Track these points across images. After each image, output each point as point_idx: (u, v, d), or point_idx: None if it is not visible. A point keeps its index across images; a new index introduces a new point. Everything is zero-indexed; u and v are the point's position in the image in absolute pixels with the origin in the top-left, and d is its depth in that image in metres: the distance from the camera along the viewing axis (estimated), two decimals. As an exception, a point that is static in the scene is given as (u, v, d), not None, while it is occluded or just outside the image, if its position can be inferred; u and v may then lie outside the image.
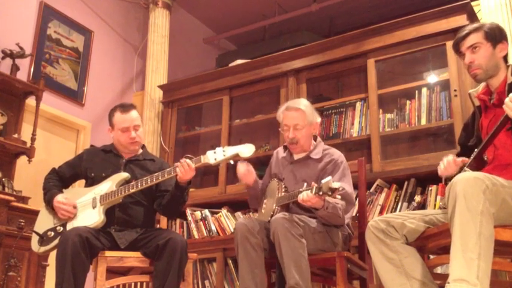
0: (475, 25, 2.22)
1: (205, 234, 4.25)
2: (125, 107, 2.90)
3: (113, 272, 2.73)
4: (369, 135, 3.86)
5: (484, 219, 1.78)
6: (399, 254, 2.09)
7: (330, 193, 2.34)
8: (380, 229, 2.13)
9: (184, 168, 2.62)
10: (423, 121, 3.72)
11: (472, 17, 3.69)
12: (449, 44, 3.61)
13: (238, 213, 4.24)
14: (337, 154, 2.81)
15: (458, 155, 2.36)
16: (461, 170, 2.13)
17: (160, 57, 5.15)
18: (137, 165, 2.92)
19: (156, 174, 2.69)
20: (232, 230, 4.09)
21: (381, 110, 3.88)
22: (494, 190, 1.84)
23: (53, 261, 2.58)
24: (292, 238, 2.41)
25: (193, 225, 4.31)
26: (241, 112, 4.70)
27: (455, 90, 3.55)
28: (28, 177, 4.14)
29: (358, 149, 4.06)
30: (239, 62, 4.83)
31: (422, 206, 3.46)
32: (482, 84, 2.27)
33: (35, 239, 2.78)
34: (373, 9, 5.79)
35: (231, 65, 4.87)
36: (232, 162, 2.67)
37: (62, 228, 2.74)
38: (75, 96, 4.82)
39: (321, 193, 2.37)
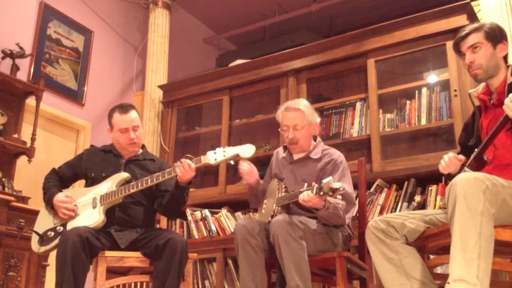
0: (475, 25, 2.22)
1: (205, 234, 4.25)
2: (124, 108, 2.89)
3: (113, 272, 2.73)
4: (369, 135, 3.86)
5: (484, 219, 1.78)
6: (399, 254, 2.09)
7: (330, 193, 2.34)
8: (380, 229, 2.13)
9: (185, 169, 2.62)
10: (423, 121, 3.72)
11: (472, 17, 3.69)
12: (449, 44, 3.61)
13: (238, 213, 4.25)
14: (337, 154, 2.81)
15: (458, 154, 2.37)
16: (461, 170, 2.13)
17: (160, 57, 5.15)
18: (137, 165, 2.92)
19: (156, 174, 2.69)
20: (232, 230, 4.09)
21: (380, 110, 3.88)
22: (494, 190, 1.84)
23: (53, 261, 2.58)
24: (292, 241, 2.42)
25: (193, 225, 4.32)
26: (241, 112, 4.70)
27: (455, 90, 3.55)
28: (28, 177, 4.14)
29: (358, 149, 4.06)
30: (239, 62, 4.83)
31: (422, 206, 3.46)
32: (482, 84, 2.27)
33: (35, 239, 2.78)
34: (373, 9, 5.79)
35: (231, 65, 4.87)
36: (232, 162, 2.67)
37: (62, 228, 2.74)
38: (75, 96, 4.82)
39: (321, 193, 2.37)
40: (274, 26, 6.01)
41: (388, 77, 4.04)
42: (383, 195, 3.64)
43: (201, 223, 4.29)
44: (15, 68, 4.09)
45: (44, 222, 2.82)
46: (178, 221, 4.46)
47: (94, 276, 2.59)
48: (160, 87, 4.99)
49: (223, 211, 4.26)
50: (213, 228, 4.22)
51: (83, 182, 2.99)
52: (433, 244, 2.13)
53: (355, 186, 2.86)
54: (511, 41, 2.67)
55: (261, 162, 4.27)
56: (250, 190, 2.98)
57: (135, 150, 2.94)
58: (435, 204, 3.37)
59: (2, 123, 3.97)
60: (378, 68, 3.95)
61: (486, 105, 2.22)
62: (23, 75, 4.25)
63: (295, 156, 2.87)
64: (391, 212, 3.54)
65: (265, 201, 2.91)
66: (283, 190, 2.73)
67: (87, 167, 2.92)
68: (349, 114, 4.07)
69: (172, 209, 2.86)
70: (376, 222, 2.15)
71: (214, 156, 2.60)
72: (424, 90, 3.78)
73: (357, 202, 2.99)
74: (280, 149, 2.99)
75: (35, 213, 3.11)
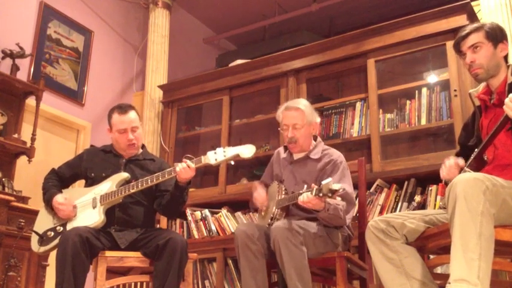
0: (476, 25, 2.22)
1: (205, 234, 4.25)
2: (123, 108, 2.88)
3: (113, 272, 2.73)
4: (369, 135, 3.85)
5: (484, 219, 1.78)
6: (399, 254, 2.09)
7: (330, 194, 2.34)
8: (380, 229, 2.13)
9: (185, 169, 2.62)
10: (423, 121, 3.72)
11: (472, 17, 3.69)
12: (449, 44, 3.61)
13: (238, 213, 4.24)
14: (337, 154, 2.81)
15: (458, 154, 2.37)
16: (461, 170, 2.13)
17: (160, 57, 5.15)
18: (137, 165, 2.91)
19: (156, 174, 2.69)
20: (232, 230, 4.09)
21: (381, 110, 3.88)
22: (495, 191, 1.84)
23: (53, 261, 2.58)
24: (292, 247, 2.42)
25: (193, 225, 4.31)
26: (241, 112, 4.70)
27: (455, 90, 3.55)
28: (28, 177, 4.14)
29: (358, 149, 4.06)
30: (239, 62, 4.83)
31: (422, 206, 3.46)
32: (483, 84, 2.27)
33: (34, 239, 2.78)
34: (373, 9, 5.79)
35: (231, 65, 4.87)
36: (232, 162, 2.67)
37: (61, 228, 2.74)
38: (75, 96, 4.82)
39: (321, 194, 2.36)
40: (274, 26, 6.01)
41: (388, 77, 4.04)
42: (383, 195, 3.64)
43: (201, 223, 4.29)
44: (15, 68, 4.09)
45: (44, 222, 2.82)
46: (178, 221, 4.46)
47: (94, 276, 2.59)
48: (160, 87, 4.99)
49: (223, 211, 4.26)
50: (213, 228, 4.22)
51: (82, 182, 2.99)
52: (433, 244, 2.13)
53: (355, 186, 2.86)
54: (511, 41, 2.67)
55: (261, 162, 4.28)
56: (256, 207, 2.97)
57: (134, 152, 2.93)
58: (435, 204, 3.37)
59: (2, 123, 3.97)
60: (378, 68, 3.95)
61: (486, 105, 2.22)
62: (23, 75, 4.25)
63: (295, 157, 2.86)
64: (391, 212, 3.54)
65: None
66: (283, 192, 2.73)
67: (87, 167, 2.92)
68: (349, 114, 4.06)
69: (172, 209, 2.86)
70: (376, 222, 2.15)
71: (215, 157, 2.60)
72: (424, 90, 3.78)
73: (357, 202, 2.99)
74: (281, 149, 2.99)
75: (35, 213, 3.11)
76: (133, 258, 2.67)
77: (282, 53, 4.43)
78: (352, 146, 4.08)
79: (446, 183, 2.14)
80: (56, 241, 2.65)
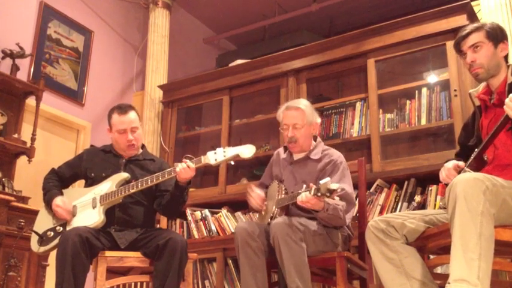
0: (477, 24, 2.22)
1: (205, 234, 4.25)
2: (123, 109, 2.88)
3: (113, 272, 2.73)
4: (369, 135, 3.85)
5: (484, 219, 1.78)
6: (399, 254, 2.09)
7: (328, 194, 2.34)
8: (380, 229, 2.13)
9: (185, 169, 2.62)
10: (423, 121, 3.72)
11: (472, 17, 3.69)
12: (449, 44, 3.61)
13: (238, 213, 4.25)
14: (337, 154, 2.81)
15: (458, 154, 2.37)
16: (461, 170, 2.13)
17: (160, 57, 5.15)
18: (137, 165, 2.91)
19: (156, 174, 2.69)
20: (232, 230, 4.09)
21: (381, 110, 3.88)
22: (495, 191, 1.84)
23: (53, 261, 2.58)
24: (292, 243, 2.42)
25: (193, 225, 4.31)
26: (241, 112, 4.70)
27: (455, 90, 3.55)
28: (28, 177, 4.14)
29: (358, 149, 4.06)
30: (239, 62, 4.83)
31: (422, 206, 3.46)
32: (483, 84, 2.27)
33: (34, 239, 2.78)
34: (373, 9, 5.79)
35: (231, 65, 4.87)
36: (232, 162, 2.67)
37: (61, 228, 2.74)
38: (75, 96, 4.82)
39: (319, 194, 2.36)
40: (274, 26, 6.01)
41: (388, 77, 4.04)
42: (383, 195, 3.64)
43: (201, 223, 4.29)
44: (15, 68, 4.09)
45: (44, 222, 2.82)
46: (178, 221, 4.46)
47: (94, 276, 2.59)
48: (160, 87, 4.99)
49: (223, 211, 4.26)
50: (213, 228, 4.22)
51: (82, 182, 2.99)
52: (433, 244, 2.13)
53: (355, 186, 2.86)
54: (511, 41, 2.67)
55: (261, 162, 4.28)
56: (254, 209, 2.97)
57: (134, 152, 2.93)
58: (435, 204, 3.37)
59: (2, 123, 3.97)
60: (378, 68, 3.95)
61: (486, 105, 2.22)
62: (23, 75, 4.25)
63: (295, 157, 2.86)
64: (391, 212, 3.54)
65: (265, 203, 2.91)
66: (283, 192, 2.73)
67: (87, 167, 2.92)
68: (349, 114, 4.06)
69: (172, 209, 2.86)
70: (376, 222, 2.15)
71: (215, 157, 2.60)
72: (424, 90, 3.77)
73: (357, 202, 2.99)
74: (281, 150, 2.99)
75: (35, 213, 3.11)
76: (133, 258, 2.67)
77: (282, 53, 4.43)
78: (352, 146, 4.08)
79: (446, 184, 2.14)
80: (56, 241, 2.65)
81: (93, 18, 5.12)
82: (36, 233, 2.77)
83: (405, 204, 3.55)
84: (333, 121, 4.10)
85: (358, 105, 4.02)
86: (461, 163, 2.18)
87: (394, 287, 2.06)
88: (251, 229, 2.56)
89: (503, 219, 1.88)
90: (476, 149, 2.11)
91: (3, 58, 4.11)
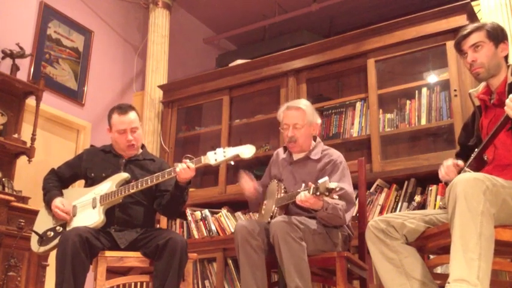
0: (477, 24, 2.22)
1: (205, 234, 4.25)
2: (123, 109, 2.88)
3: (113, 272, 2.73)
4: (368, 135, 3.85)
5: (484, 219, 1.78)
6: (399, 254, 2.09)
7: (327, 193, 2.35)
8: (380, 229, 2.13)
9: (184, 169, 2.61)
10: (423, 121, 3.72)
11: (472, 17, 3.69)
12: (449, 44, 3.61)
13: (238, 213, 4.25)
14: (336, 154, 2.81)
15: (458, 154, 2.37)
16: (461, 170, 2.13)
17: (160, 57, 5.15)
18: (137, 165, 2.91)
19: (156, 174, 2.69)
20: (232, 230, 4.09)
21: (381, 110, 3.88)
22: (495, 191, 1.84)
23: (53, 261, 2.58)
24: (292, 241, 2.42)
25: (193, 225, 4.31)
26: (241, 112, 4.70)
27: (455, 90, 3.55)
28: (28, 177, 4.14)
29: (358, 149, 4.06)
30: (239, 62, 4.83)
31: (422, 206, 3.46)
32: (483, 84, 2.27)
33: (34, 239, 2.78)
34: (373, 9, 5.79)
35: (231, 65, 4.87)
36: (232, 163, 2.67)
37: (61, 228, 2.74)
38: (75, 96, 4.82)
39: (318, 193, 2.37)
40: (274, 26, 6.01)
41: (388, 77, 4.04)
42: (383, 195, 3.64)
43: (201, 223, 4.29)
44: (15, 68, 4.09)
45: (44, 222, 2.82)
46: (178, 221, 4.46)
47: (94, 276, 2.59)
48: (160, 87, 4.99)
49: (223, 211, 4.26)
50: (213, 228, 4.22)
51: (82, 182, 2.98)
52: (433, 244, 2.13)
53: (355, 186, 2.86)
54: (511, 41, 2.67)
55: (261, 162, 4.28)
56: (249, 199, 2.98)
57: (133, 152, 2.93)
58: (435, 204, 3.37)
59: (2, 123, 3.97)
60: (378, 68, 3.95)
61: (486, 105, 2.22)
62: (23, 75, 4.25)
63: (295, 157, 2.87)
64: (391, 212, 3.54)
65: (265, 202, 2.91)
66: (283, 191, 2.73)
67: (87, 167, 2.92)
68: (349, 114, 4.06)
69: (172, 209, 2.86)
70: (376, 222, 2.15)
71: (215, 157, 2.60)
72: (424, 90, 3.77)
73: (356, 202, 2.99)
74: (281, 150, 2.99)
75: (35, 213, 3.11)
76: (133, 258, 2.67)
77: (282, 53, 4.43)
78: (352, 146, 4.08)
79: (446, 184, 2.14)
80: (56, 241, 2.65)
81: (93, 18, 5.12)
82: (36, 233, 2.77)
83: (405, 204, 3.55)
84: (333, 121, 4.10)
85: (358, 105, 4.02)
86: (460, 162, 2.18)
87: (394, 287, 2.06)
88: (251, 227, 2.56)
89: (503, 219, 1.88)
90: (476, 149, 2.11)
91: (3, 58, 4.11)
